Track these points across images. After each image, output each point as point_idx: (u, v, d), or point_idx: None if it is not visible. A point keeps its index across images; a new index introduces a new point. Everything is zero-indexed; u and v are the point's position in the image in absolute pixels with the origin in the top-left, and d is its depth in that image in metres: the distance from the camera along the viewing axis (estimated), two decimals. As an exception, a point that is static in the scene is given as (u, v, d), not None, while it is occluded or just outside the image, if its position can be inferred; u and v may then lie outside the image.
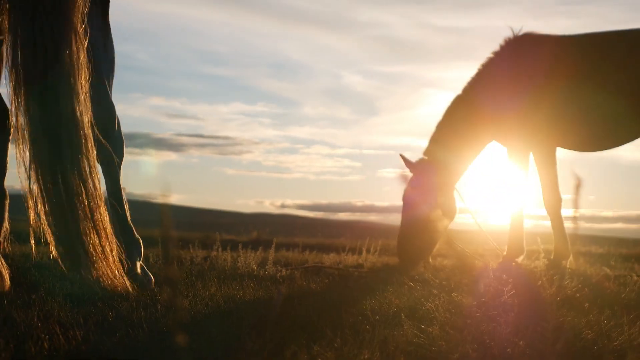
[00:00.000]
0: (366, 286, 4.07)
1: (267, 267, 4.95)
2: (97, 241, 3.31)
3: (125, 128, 4.93)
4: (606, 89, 5.70)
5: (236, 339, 2.30)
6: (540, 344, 2.30)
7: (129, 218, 3.88)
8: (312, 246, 10.27)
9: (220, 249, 5.77)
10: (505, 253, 6.05)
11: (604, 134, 5.86)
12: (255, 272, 4.74)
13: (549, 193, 6.03)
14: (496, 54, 6.16)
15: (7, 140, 3.58)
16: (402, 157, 6.38)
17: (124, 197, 3.87)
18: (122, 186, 3.86)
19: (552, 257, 5.99)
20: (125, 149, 4.02)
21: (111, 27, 4.08)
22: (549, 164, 6.07)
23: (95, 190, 3.34)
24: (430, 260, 6.29)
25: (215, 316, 2.90)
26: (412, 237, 6.18)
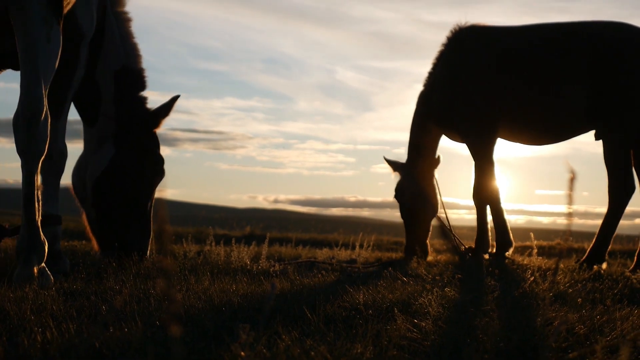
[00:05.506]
0: (359, 281, 4.08)
1: (260, 261, 4.95)
2: None
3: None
4: (546, 79, 5.71)
5: (230, 332, 2.30)
6: (533, 338, 2.30)
7: (37, 218, 3.59)
8: (305, 241, 10.28)
9: (213, 244, 5.76)
10: (484, 247, 6.09)
11: (549, 127, 5.85)
12: (248, 267, 4.74)
13: (483, 185, 6.01)
14: (444, 46, 6.19)
15: None
16: (387, 160, 6.50)
17: (37, 194, 3.58)
18: (35, 182, 3.55)
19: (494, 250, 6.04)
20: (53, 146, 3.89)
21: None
22: (488, 155, 6.02)
23: None
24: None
25: (209, 310, 2.89)
26: (418, 228, 6.36)
